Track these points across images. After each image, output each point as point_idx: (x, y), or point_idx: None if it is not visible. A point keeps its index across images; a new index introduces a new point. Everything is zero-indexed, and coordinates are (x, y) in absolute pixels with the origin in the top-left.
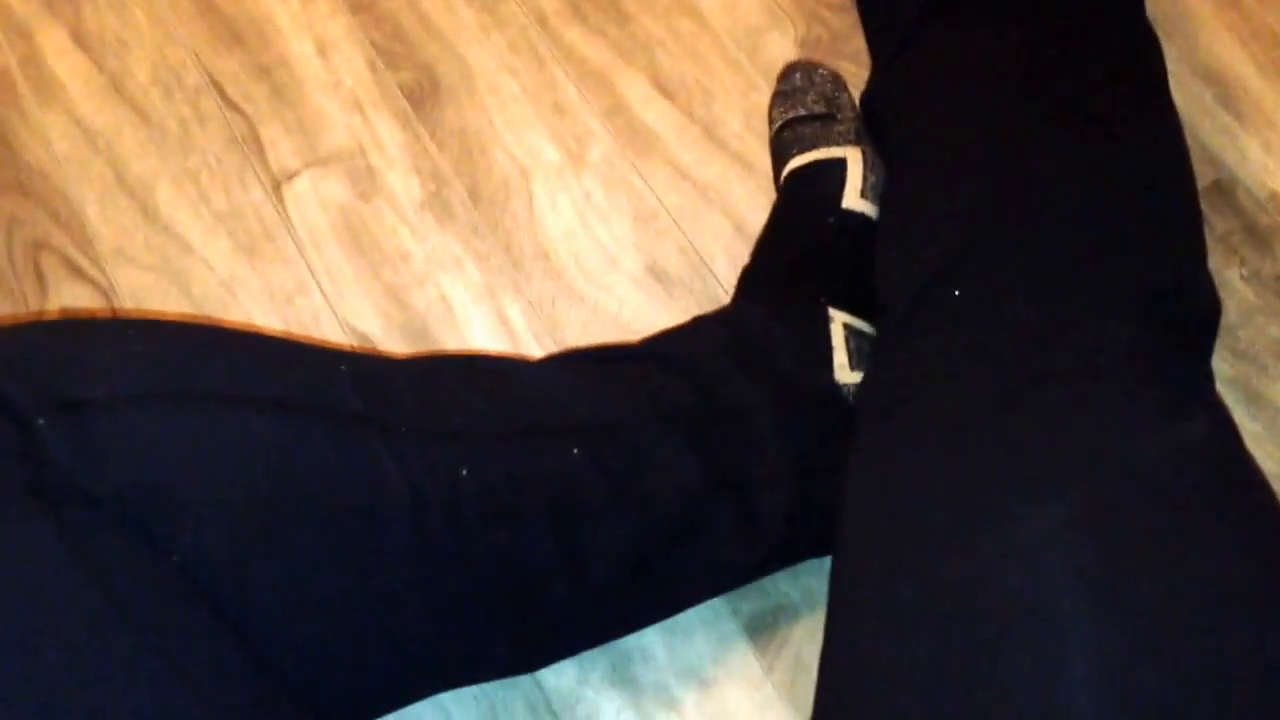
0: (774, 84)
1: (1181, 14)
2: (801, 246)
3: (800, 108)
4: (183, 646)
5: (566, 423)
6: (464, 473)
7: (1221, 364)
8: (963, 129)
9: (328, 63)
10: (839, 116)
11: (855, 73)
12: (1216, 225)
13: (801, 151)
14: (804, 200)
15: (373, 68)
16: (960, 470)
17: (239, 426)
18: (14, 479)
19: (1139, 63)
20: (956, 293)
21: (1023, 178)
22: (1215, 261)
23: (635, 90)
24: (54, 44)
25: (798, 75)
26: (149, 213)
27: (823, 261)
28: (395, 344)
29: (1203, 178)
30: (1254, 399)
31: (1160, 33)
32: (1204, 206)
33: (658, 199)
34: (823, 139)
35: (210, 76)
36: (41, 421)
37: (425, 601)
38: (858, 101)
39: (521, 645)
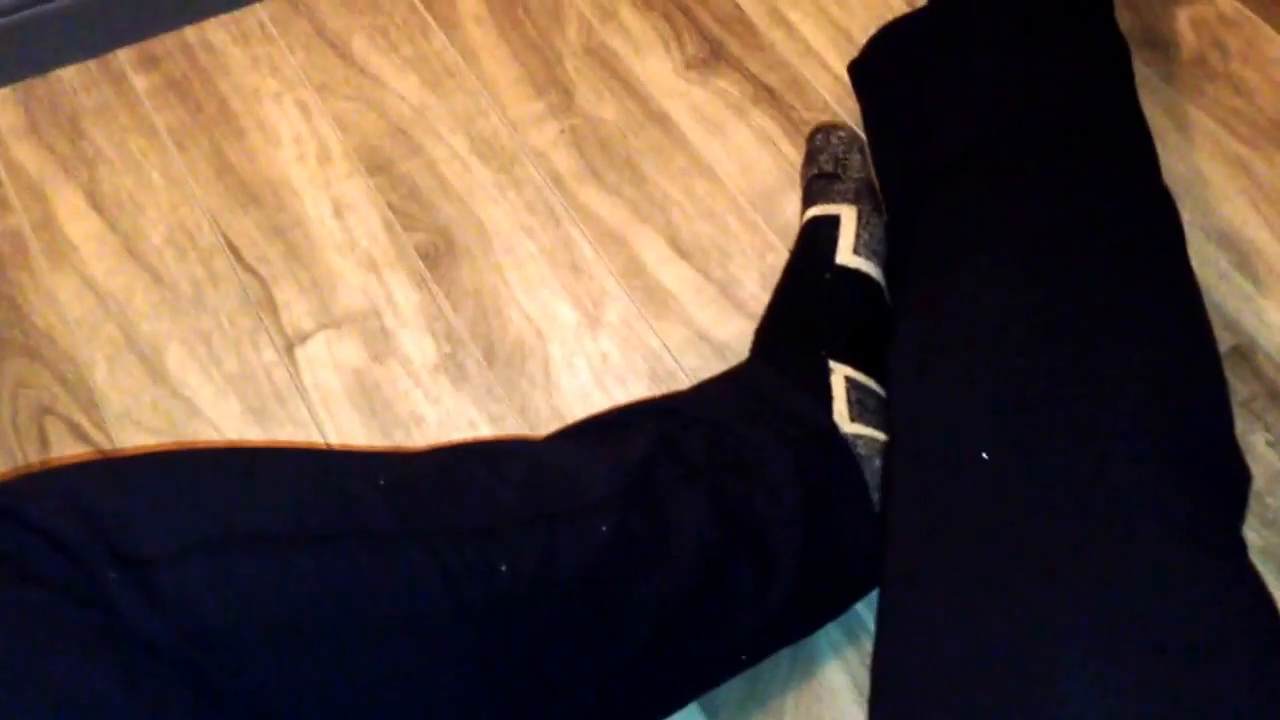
0: (790, 244)
1: (1194, 179)
2: (803, 303)
3: (815, 166)
4: None
5: (589, 500)
6: (503, 568)
7: (1250, 533)
8: (981, 292)
9: (344, 224)
10: (843, 176)
11: None
12: (1239, 391)
13: (810, 207)
14: (805, 256)
15: (389, 229)
16: (994, 638)
17: (282, 567)
18: (90, 624)
19: (1156, 225)
20: (984, 455)
21: (1043, 341)
22: (1239, 427)
23: (652, 251)
24: (69, 205)
25: (819, 136)
26: (158, 375)
27: (821, 318)
28: None
29: (1222, 343)
30: None
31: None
32: (1225, 372)
33: (675, 360)
34: (824, 196)
35: (225, 237)
36: (114, 575)
37: (487, 699)
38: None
39: None
